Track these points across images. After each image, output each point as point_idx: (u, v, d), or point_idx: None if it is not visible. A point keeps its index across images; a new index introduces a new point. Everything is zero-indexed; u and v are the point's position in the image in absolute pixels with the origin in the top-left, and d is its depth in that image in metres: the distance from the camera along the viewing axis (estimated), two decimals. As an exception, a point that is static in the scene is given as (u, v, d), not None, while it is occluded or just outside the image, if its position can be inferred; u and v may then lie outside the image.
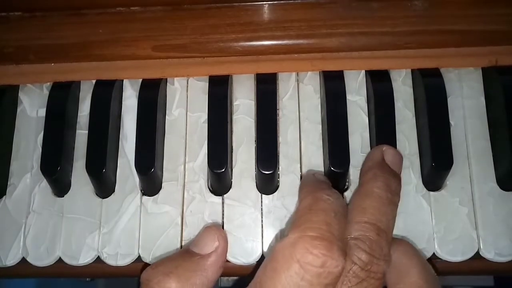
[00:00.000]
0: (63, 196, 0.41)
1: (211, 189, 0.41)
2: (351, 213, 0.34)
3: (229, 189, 0.41)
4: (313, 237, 0.30)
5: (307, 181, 0.37)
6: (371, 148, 0.41)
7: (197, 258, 0.34)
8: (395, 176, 0.36)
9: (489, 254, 0.38)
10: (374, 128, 0.40)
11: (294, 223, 0.32)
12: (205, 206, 0.40)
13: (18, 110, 0.44)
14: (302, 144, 0.41)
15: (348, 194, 0.40)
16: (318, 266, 0.29)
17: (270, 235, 0.39)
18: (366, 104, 0.42)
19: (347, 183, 0.41)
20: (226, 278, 0.58)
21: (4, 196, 0.42)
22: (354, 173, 0.40)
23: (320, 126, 0.42)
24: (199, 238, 0.36)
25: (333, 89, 0.42)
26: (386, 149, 0.37)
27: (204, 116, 0.42)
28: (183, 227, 0.40)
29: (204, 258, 0.34)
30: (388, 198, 0.34)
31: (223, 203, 0.41)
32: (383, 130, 0.40)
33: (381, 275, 0.32)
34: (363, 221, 0.33)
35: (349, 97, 0.42)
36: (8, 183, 0.42)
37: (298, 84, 0.43)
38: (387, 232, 0.33)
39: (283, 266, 0.30)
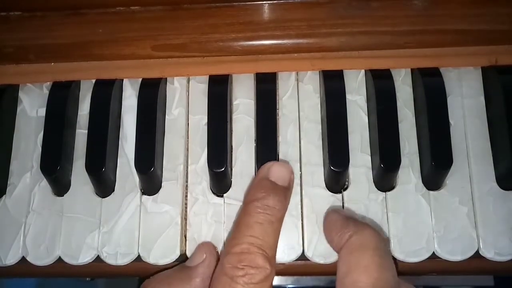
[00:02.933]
0: (63, 196, 0.42)
1: (212, 190, 0.41)
2: (349, 275, 0.32)
3: (229, 189, 0.41)
4: (237, 253, 0.33)
5: (255, 181, 0.38)
6: (370, 147, 0.41)
7: (187, 269, 0.37)
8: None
9: (488, 253, 0.38)
10: (376, 126, 0.40)
11: (226, 244, 0.35)
12: (208, 207, 0.40)
13: (18, 109, 0.44)
14: (301, 143, 0.41)
15: (346, 194, 0.40)
16: (242, 275, 0.32)
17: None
18: (366, 104, 0.42)
19: (346, 183, 0.41)
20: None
21: (4, 196, 0.42)
22: (353, 173, 0.40)
23: (319, 126, 0.42)
24: (191, 254, 0.39)
25: (333, 89, 0.42)
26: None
27: (206, 118, 0.42)
28: (187, 228, 0.40)
29: (192, 269, 0.37)
30: (385, 249, 0.34)
31: (224, 203, 0.40)
32: (385, 127, 0.40)
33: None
34: (371, 284, 0.31)
35: (348, 96, 0.42)
36: (8, 182, 0.42)
37: (297, 84, 0.43)
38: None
39: (216, 281, 0.34)
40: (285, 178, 0.37)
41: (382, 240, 0.34)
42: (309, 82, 0.43)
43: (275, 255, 0.35)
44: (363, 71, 0.43)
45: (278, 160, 0.40)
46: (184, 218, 0.41)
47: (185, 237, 0.40)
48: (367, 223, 0.36)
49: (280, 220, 0.35)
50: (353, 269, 0.32)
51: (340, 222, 0.36)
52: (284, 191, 0.36)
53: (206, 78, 0.44)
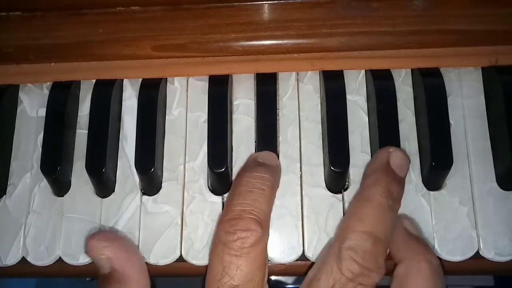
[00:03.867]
0: (63, 196, 0.42)
1: (211, 188, 0.41)
2: (349, 219, 0.34)
3: (229, 189, 0.41)
4: (228, 219, 0.34)
5: (244, 166, 0.39)
6: (370, 147, 0.41)
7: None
8: (398, 182, 0.35)
9: (489, 253, 0.38)
10: (376, 126, 0.40)
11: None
12: (205, 206, 0.40)
13: (18, 110, 0.44)
14: (302, 143, 0.41)
15: (347, 194, 0.40)
16: (235, 239, 0.33)
17: (269, 234, 0.39)
18: (366, 104, 0.42)
19: (347, 183, 0.41)
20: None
21: (4, 196, 0.42)
22: (353, 173, 0.40)
23: (320, 126, 0.42)
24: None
25: (333, 89, 0.42)
26: (393, 151, 0.36)
27: (204, 115, 0.42)
28: (183, 227, 0.40)
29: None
30: (388, 206, 0.34)
31: (223, 202, 0.41)
32: (385, 127, 0.40)
33: (370, 287, 0.32)
34: (361, 230, 0.32)
35: (348, 97, 0.42)
36: (8, 182, 0.42)
37: (298, 84, 0.43)
38: (385, 242, 0.33)
39: (211, 253, 0.34)
40: (272, 160, 0.38)
41: (391, 201, 0.34)
42: (309, 82, 0.43)
43: (268, 220, 0.35)
44: (363, 71, 0.43)
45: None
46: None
47: (181, 237, 0.40)
48: (396, 177, 0.36)
49: (271, 189, 0.36)
50: (352, 214, 0.34)
51: (375, 166, 0.36)
52: (271, 168, 0.37)
53: (205, 77, 0.44)
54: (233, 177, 0.41)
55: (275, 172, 0.38)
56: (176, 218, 0.40)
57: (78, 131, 0.43)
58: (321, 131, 0.42)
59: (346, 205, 0.40)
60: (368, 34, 0.42)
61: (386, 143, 0.39)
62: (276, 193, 0.40)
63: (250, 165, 0.38)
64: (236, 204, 0.34)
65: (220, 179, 0.40)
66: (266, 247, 0.35)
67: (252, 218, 0.34)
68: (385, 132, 0.40)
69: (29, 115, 0.44)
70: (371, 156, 0.41)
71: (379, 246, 0.32)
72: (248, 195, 0.35)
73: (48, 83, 0.44)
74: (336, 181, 0.40)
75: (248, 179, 0.36)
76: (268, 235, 0.36)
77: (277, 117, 0.42)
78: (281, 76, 0.43)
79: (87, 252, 0.36)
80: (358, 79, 0.43)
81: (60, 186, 0.41)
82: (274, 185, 0.37)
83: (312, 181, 0.40)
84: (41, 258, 0.40)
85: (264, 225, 0.34)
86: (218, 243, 0.34)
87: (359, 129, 0.41)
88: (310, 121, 0.42)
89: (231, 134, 0.42)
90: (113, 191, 0.41)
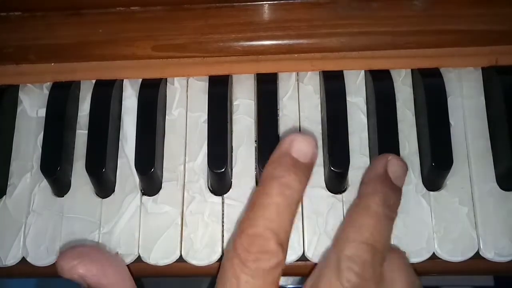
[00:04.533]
0: (63, 196, 0.42)
1: (211, 189, 0.41)
2: (347, 228, 0.34)
3: (229, 189, 0.41)
4: (250, 234, 0.31)
5: (276, 155, 0.34)
6: (370, 148, 0.41)
7: None
8: (396, 191, 0.35)
9: (489, 254, 0.38)
10: (376, 126, 0.40)
11: (241, 221, 0.33)
12: (205, 206, 0.40)
13: (18, 110, 0.44)
14: (302, 143, 0.41)
15: (346, 195, 0.40)
16: (253, 259, 0.31)
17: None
18: (365, 106, 0.42)
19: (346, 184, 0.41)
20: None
21: (4, 196, 0.42)
22: (352, 174, 0.40)
23: (320, 126, 0.42)
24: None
25: (333, 89, 0.42)
26: (391, 159, 0.36)
27: (204, 115, 0.42)
28: (183, 227, 0.40)
29: None
30: (386, 216, 0.34)
31: (223, 203, 0.41)
32: (385, 127, 0.40)
33: None
34: (360, 241, 0.32)
35: (348, 98, 0.42)
36: (8, 183, 0.42)
37: (298, 84, 0.43)
38: (382, 252, 0.33)
39: (225, 263, 0.32)
40: (307, 154, 0.34)
41: (388, 210, 0.34)
42: (309, 82, 0.43)
43: (288, 240, 0.32)
44: (362, 73, 0.43)
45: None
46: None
47: (181, 237, 0.40)
48: (393, 187, 0.35)
49: (298, 203, 0.33)
50: (350, 225, 0.34)
51: (372, 175, 0.35)
52: (305, 170, 0.34)
53: (205, 77, 0.44)
54: (233, 178, 0.41)
55: (308, 173, 0.34)
56: (176, 219, 0.40)
57: (78, 131, 0.43)
58: (321, 131, 0.42)
59: (346, 205, 0.40)
60: (368, 34, 0.42)
61: (386, 143, 0.39)
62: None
63: (282, 162, 0.33)
64: (259, 218, 0.32)
65: (220, 179, 0.40)
66: (281, 270, 0.32)
67: (275, 240, 0.31)
68: (384, 132, 0.40)
69: (29, 115, 0.44)
70: (370, 158, 0.41)
71: (377, 256, 0.32)
72: (274, 211, 0.32)
73: (48, 83, 0.44)
74: (336, 181, 0.40)
75: (277, 190, 0.32)
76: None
77: (278, 117, 0.42)
78: (281, 76, 0.43)
79: (59, 273, 0.34)
80: (357, 81, 0.43)
81: (60, 186, 0.41)
82: (302, 197, 0.34)
83: (312, 182, 0.40)
84: (41, 258, 0.40)
85: (285, 247, 0.32)
86: (234, 257, 0.31)
87: (358, 131, 0.41)
88: (310, 121, 0.42)
89: (231, 134, 0.42)
90: (113, 191, 0.41)
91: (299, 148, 0.34)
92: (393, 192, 0.35)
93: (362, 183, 0.37)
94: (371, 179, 0.35)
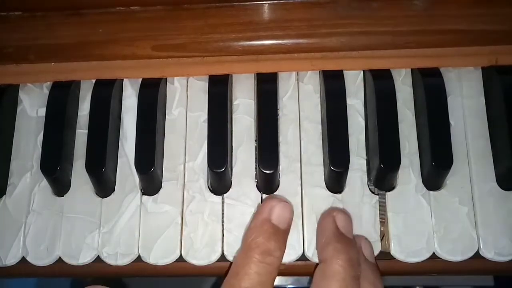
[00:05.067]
0: (63, 196, 0.42)
1: (211, 188, 0.41)
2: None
3: (229, 189, 0.41)
4: None
5: (256, 222, 0.37)
6: (370, 148, 0.41)
7: None
8: (353, 245, 0.37)
9: (489, 253, 0.38)
10: (376, 126, 0.40)
11: (223, 285, 0.35)
12: (205, 206, 0.40)
13: (18, 109, 0.44)
14: (302, 143, 0.41)
15: (346, 194, 0.40)
16: None
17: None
18: (363, 108, 0.42)
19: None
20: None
21: (4, 196, 0.42)
22: (349, 176, 0.40)
23: (319, 126, 0.42)
24: None
25: (333, 89, 0.42)
26: (336, 214, 0.37)
27: (204, 115, 0.42)
28: (183, 227, 0.40)
29: None
30: (352, 277, 0.35)
31: (223, 202, 0.41)
32: (385, 127, 0.40)
33: None
34: None
35: (346, 100, 0.42)
36: (8, 182, 0.42)
37: (298, 84, 0.43)
38: None
39: None
40: (286, 221, 0.37)
41: (353, 270, 0.35)
42: (309, 82, 0.43)
43: None
44: (360, 75, 0.43)
45: (279, 160, 0.40)
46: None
47: (181, 236, 0.40)
48: (350, 242, 0.36)
49: (278, 268, 0.35)
50: None
51: (328, 235, 0.36)
52: (284, 236, 0.37)
53: (205, 77, 0.44)
54: (233, 178, 0.41)
55: (286, 238, 0.37)
56: (176, 218, 0.40)
57: (78, 131, 0.43)
58: (321, 131, 0.42)
59: (346, 205, 0.40)
60: (368, 34, 0.42)
61: (386, 142, 0.39)
62: (276, 193, 0.40)
63: (263, 230, 0.36)
64: (242, 287, 0.34)
65: (220, 179, 0.40)
66: None
67: None
68: (385, 132, 0.40)
69: (29, 115, 0.44)
70: (367, 159, 0.41)
71: None
72: (257, 279, 0.34)
73: (48, 83, 0.44)
74: (336, 181, 0.40)
75: (259, 258, 0.34)
76: None
77: (277, 117, 0.42)
78: (281, 76, 0.43)
79: None
80: (356, 82, 0.43)
81: (60, 186, 0.41)
82: (281, 261, 0.36)
83: (312, 181, 0.40)
84: (41, 258, 0.40)
85: None
86: None
87: (355, 133, 0.41)
88: (310, 121, 0.42)
89: (231, 134, 0.42)
90: (113, 191, 0.41)
91: (279, 214, 0.36)
92: (351, 247, 0.36)
93: (319, 246, 0.38)
94: (328, 240, 0.36)
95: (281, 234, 0.36)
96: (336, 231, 0.37)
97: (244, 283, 0.34)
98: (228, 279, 0.35)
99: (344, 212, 0.38)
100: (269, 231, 0.36)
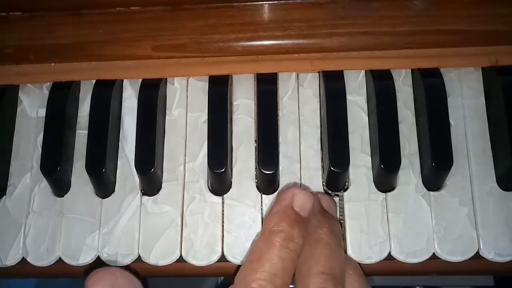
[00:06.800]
0: (63, 196, 0.42)
1: (211, 189, 0.41)
2: (305, 263, 0.34)
3: (229, 189, 0.41)
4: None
5: (278, 208, 0.36)
6: (371, 148, 0.41)
7: None
8: (336, 220, 0.38)
9: (489, 254, 0.38)
10: (376, 126, 0.40)
11: (243, 269, 0.33)
12: (205, 206, 0.40)
13: (18, 110, 0.44)
14: (301, 147, 0.41)
15: (348, 194, 0.40)
16: None
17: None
18: (366, 104, 0.42)
19: (346, 183, 0.41)
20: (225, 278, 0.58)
21: (4, 196, 0.42)
22: (354, 173, 0.40)
23: (318, 131, 0.42)
24: None
25: (333, 89, 0.42)
26: (321, 196, 0.38)
27: (204, 116, 0.42)
28: (183, 227, 0.40)
29: None
30: (335, 243, 0.35)
31: (223, 203, 0.41)
32: (385, 127, 0.40)
33: None
34: (320, 272, 0.33)
35: (348, 97, 0.42)
36: (8, 183, 0.42)
37: (298, 85, 0.43)
38: (341, 278, 0.34)
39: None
40: (308, 209, 0.36)
41: (336, 238, 0.36)
42: (309, 86, 0.43)
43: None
44: (363, 72, 0.43)
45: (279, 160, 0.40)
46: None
47: (181, 237, 0.40)
48: (332, 217, 0.37)
49: (298, 257, 0.34)
50: (308, 259, 0.34)
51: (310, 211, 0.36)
52: (306, 224, 0.35)
53: (205, 77, 0.44)
54: (233, 178, 0.41)
55: (307, 226, 0.35)
56: (176, 219, 0.40)
57: (78, 131, 0.43)
58: (319, 136, 0.42)
59: (346, 205, 0.40)
60: (368, 34, 0.42)
61: (386, 143, 0.39)
62: (276, 193, 0.40)
63: (285, 216, 0.35)
64: (264, 272, 0.32)
65: (220, 180, 0.40)
66: None
67: None
68: (385, 132, 0.40)
69: (29, 115, 0.44)
70: (371, 156, 0.41)
71: (338, 283, 0.33)
72: (280, 265, 0.33)
73: (48, 83, 0.44)
74: (336, 181, 0.40)
75: (282, 244, 0.33)
76: None
77: (277, 118, 0.42)
78: (281, 77, 0.43)
79: None
80: (358, 79, 0.43)
81: (60, 186, 0.41)
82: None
83: (311, 185, 0.40)
84: (41, 259, 0.40)
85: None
86: None
87: (359, 129, 0.41)
88: (309, 125, 0.42)
89: (231, 134, 0.42)
90: (113, 191, 0.41)
91: (301, 202, 0.35)
92: (334, 221, 0.37)
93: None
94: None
95: (304, 222, 0.35)
96: (320, 207, 0.37)
97: (266, 267, 0.32)
98: (248, 265, 0.33)
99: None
100: (292, 217, 0.35)
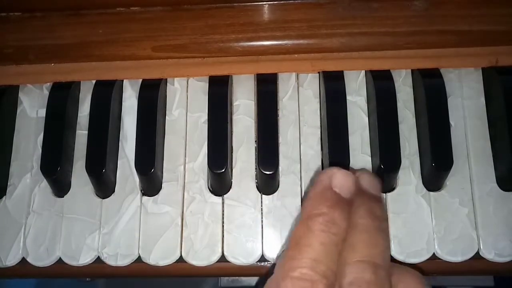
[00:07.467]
0: (63, 197, 0.42)
1: (211, 189, 0.41)
2: (341, 251, 0.30)
3: (229, 189, 0.41)
4: (296, 278, 0.28)
5: (316, 191, 0.32)
6: (371, 148, 0.41)
7: None
8: (377, 200, 0.33)
9: (489, 254, 0.38)
10: (377, 127, 0.40)
11: (284, 258, 0.30)
12: (205, 206, 0.40)
13: (18, 110, 0.44)
14: (301, 148, 0.41)
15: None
16: None
17: (270, 235, 0.40)
18: (366, 104, 0.42)
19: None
20: (226, 278, 0.58)
21: (4, 197, 0.42)
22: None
23: (318, 131, 0.42)
24: None
25: (333, 90, 0.42)
26: (359, 174, 0.33)
27: (204, 116, 0.42)
28: (183, 228, 0.40)
29: None
30: (375, 227, 0.31)
31: (223, 203, 0.41)
32: (385, 128, 0.40)
33: None
34: (356, 261, 0.30)
35: (349, 97, 0.42)
36: (8, 183, 0.42)
37: (298, 85, 0.43)
38: (384, 265, 0.30)
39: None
40: (349, 190, 0.32)
41: (377, 220, 0.31)
42: (309, 86, 0.43)
43: (335, 281, 0.30)
44: (363, 72, 0.43)
45: (279, 161, 0.40)
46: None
47: (181, 237, 0.40)
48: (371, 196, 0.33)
49: (342, 242, 0.30)
50: (344, 246, 0.30)
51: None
52: (348, 207, 0.31)
53: (205, 77, 0.44)
54: (233, 178, 0.41)
55: (350, 208, 0.31)
56: (176, 219, 0.40)
57: (78, 131, 0.43)
58: (319, 136, 0.42)
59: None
60: (368, 35, 0.42)
61: (386, 143, 0.39)
62: (277, 194, 0.40)
63: (325, 198, 0.31)
64: (305, 259, 0.29)
65: (220, 180, 0.40)
66: None
67: (324, 284, 0.28)
68: (385, 133, 0.40)
69: (29, 116, 0.44)
70: (372, 157, 0.41)
71: (380, 272, 0.29)
72: (321, 251, 0.29)
73: (48, 83, 0.44)
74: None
75: (322, 228, 0.30)
76: None
77: (277, 118, 0.42)
78: (281, 77, 0.43)
79: None
80: (358, 80, 0.43)
81: (60, 186, 0.41)
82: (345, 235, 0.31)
83: (311, 185, 0.40)
84: (41, 259, 0.40)
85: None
86: None
87: (359, 130, 0.41)
88: (309, 126, 0.42)
89: (231, 134, 0.42)
90: (113, 191, 0.41)
91: (341, 182, 0.32)
92: (375, 202, 0.32)
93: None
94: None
95: (345, 204, 0.31)
96: (357, 188, 0.32)
97: (307, 254, 0.29)
98: (287, 253, 0.30)
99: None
100: (333, 199, 0.31)
